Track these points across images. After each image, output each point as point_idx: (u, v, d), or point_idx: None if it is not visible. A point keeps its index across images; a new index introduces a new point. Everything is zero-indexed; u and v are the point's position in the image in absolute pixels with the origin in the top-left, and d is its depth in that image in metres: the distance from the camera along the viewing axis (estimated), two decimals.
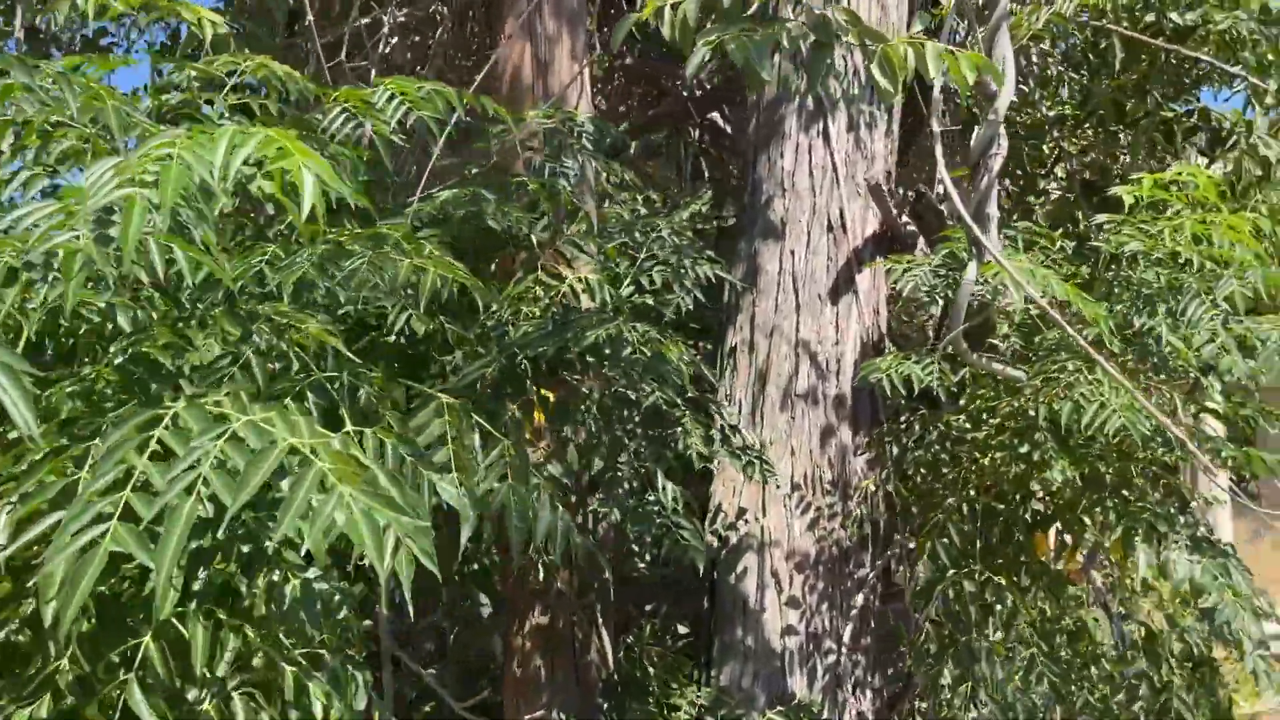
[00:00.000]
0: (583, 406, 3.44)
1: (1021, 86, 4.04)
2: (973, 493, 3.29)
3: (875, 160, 4.16)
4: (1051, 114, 3.82)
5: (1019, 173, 3.95)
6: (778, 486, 3.72)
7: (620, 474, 3.40)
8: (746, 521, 3.73)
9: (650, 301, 3.69)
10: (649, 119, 5.45)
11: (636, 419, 3.47)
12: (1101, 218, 3.14)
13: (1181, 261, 3.05)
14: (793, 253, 3.98)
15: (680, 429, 3.41)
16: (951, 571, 3.16)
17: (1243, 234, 2.89)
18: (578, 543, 2.65)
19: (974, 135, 2.83)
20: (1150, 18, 3.39)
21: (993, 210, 2.80)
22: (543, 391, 3.35)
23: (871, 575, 3.66)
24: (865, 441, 3.72)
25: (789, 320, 3.91)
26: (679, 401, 3.45)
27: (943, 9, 4.06)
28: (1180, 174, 2.96)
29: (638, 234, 3.91)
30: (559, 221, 3.67)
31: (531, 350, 2.97)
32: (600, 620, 3.87)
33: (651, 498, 3.27)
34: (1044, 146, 3.86)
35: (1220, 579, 2.81)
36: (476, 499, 2.32)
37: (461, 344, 3.17)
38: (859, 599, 3.61)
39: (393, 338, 3.01)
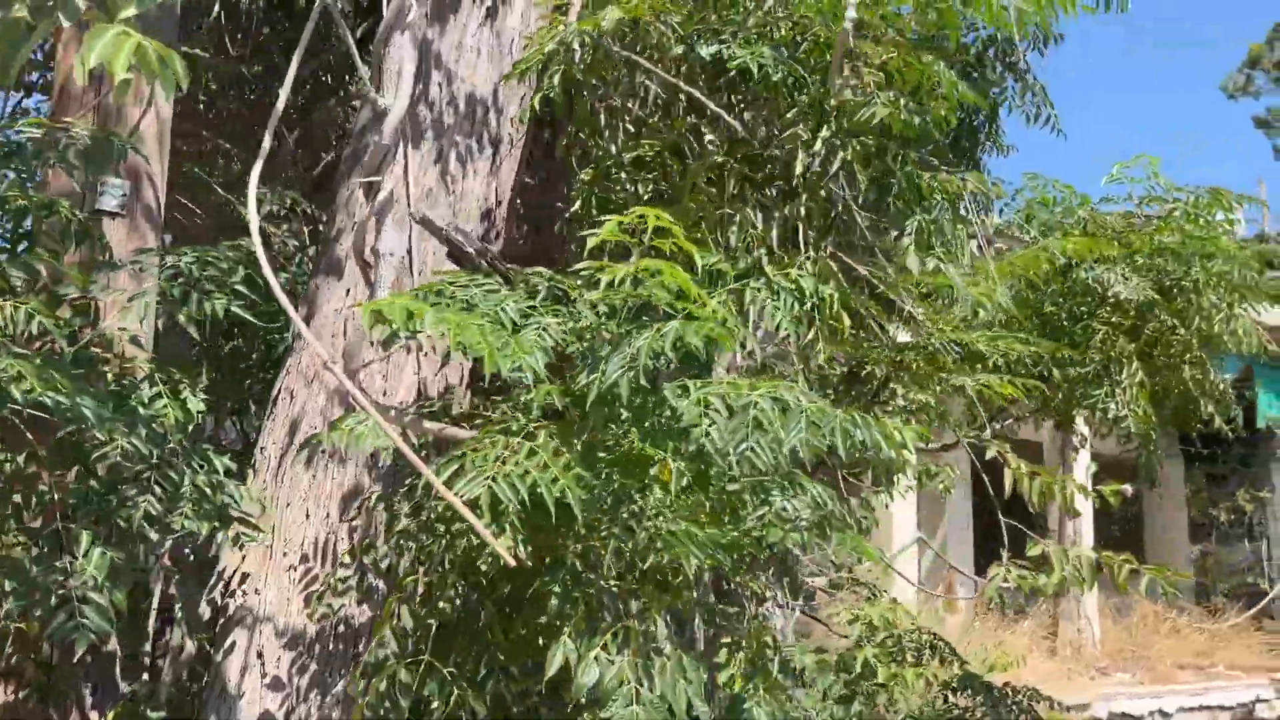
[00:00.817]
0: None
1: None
2: (445, 568, 2.88)
3: (466, 196, 3.81)
4: (628, 157, 3.50)
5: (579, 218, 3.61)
6: (285, 554, 3.30)
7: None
8: (245, 592, 3.29)
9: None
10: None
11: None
12: (580, 265, 2.80)
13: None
14: (348, 291, 3.59)
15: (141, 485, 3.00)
16: (390, 659, 2.74)
17: (683, 282, 2.54)
18: None
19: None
20: (679, 50, 3.09)
21: (384, 245, 2.43)
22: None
23: None
24: (356, 507, 3.30)
25: (334, 367, 3.50)
26: (145, 452, 3.04)
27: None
28: (638, 217, 2.62)
29: (188, 264, 3.51)
30: (55, 243, 3.26)
31: None
32: (91, 701, 3.38)
33: (60, 564, 2.83)
34: (613, 190, 3.55)
35: (627, 684, 2.41)
36: None
37: None
38: (341, 685, 3.16)
39: None
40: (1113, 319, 5.52)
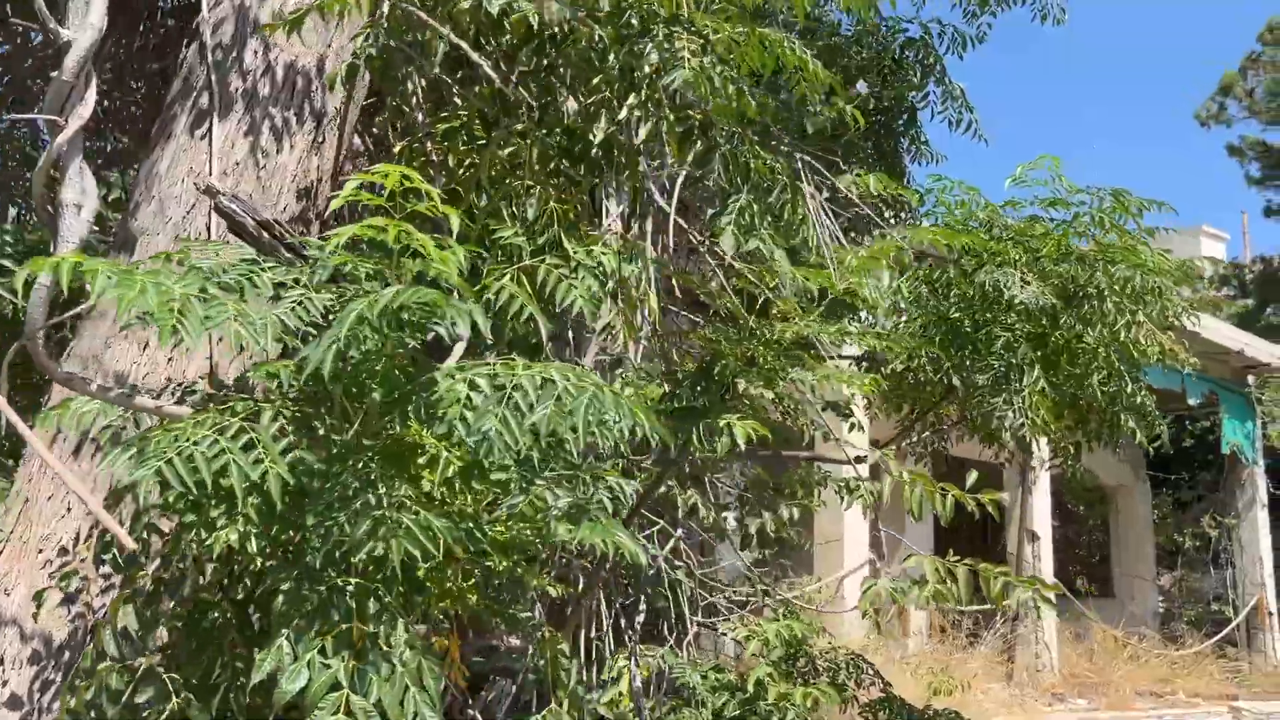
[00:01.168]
0: None
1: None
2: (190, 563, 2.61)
3: (280, 172, 3.56)
4: (442, 128, 3.26)
5: None
6: (40, 551, 3.02)
7: None
8: None
9: None
10: None
11: None
12: (332, 231, 2.55)
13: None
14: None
15: None
16: (104, 663, 2.46)
17: (426, 246, 2.29)
18: None
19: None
20: (467, 4, 2.85)
21: (69, 195, 2.17)
22: None
23: None
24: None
25: (114, 350, 3.24)
26: None
27: None
28: (384, 175, 2.37)
29: None
30: None
31: None
32: None
33: None
34: (421, 159, 3.30)
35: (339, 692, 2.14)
36: None
37: None
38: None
39: None
40: (1016, 325, 5.28)
